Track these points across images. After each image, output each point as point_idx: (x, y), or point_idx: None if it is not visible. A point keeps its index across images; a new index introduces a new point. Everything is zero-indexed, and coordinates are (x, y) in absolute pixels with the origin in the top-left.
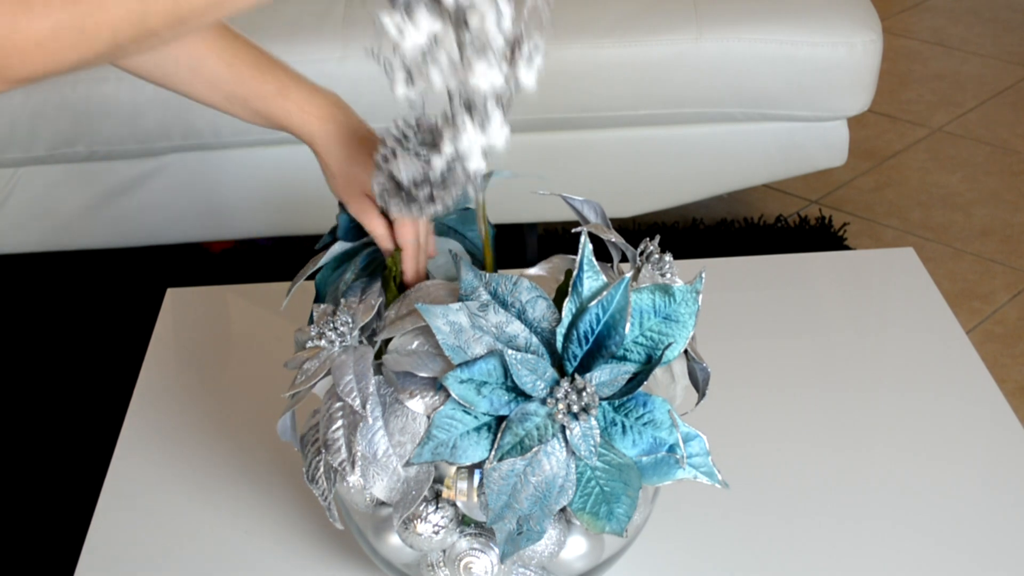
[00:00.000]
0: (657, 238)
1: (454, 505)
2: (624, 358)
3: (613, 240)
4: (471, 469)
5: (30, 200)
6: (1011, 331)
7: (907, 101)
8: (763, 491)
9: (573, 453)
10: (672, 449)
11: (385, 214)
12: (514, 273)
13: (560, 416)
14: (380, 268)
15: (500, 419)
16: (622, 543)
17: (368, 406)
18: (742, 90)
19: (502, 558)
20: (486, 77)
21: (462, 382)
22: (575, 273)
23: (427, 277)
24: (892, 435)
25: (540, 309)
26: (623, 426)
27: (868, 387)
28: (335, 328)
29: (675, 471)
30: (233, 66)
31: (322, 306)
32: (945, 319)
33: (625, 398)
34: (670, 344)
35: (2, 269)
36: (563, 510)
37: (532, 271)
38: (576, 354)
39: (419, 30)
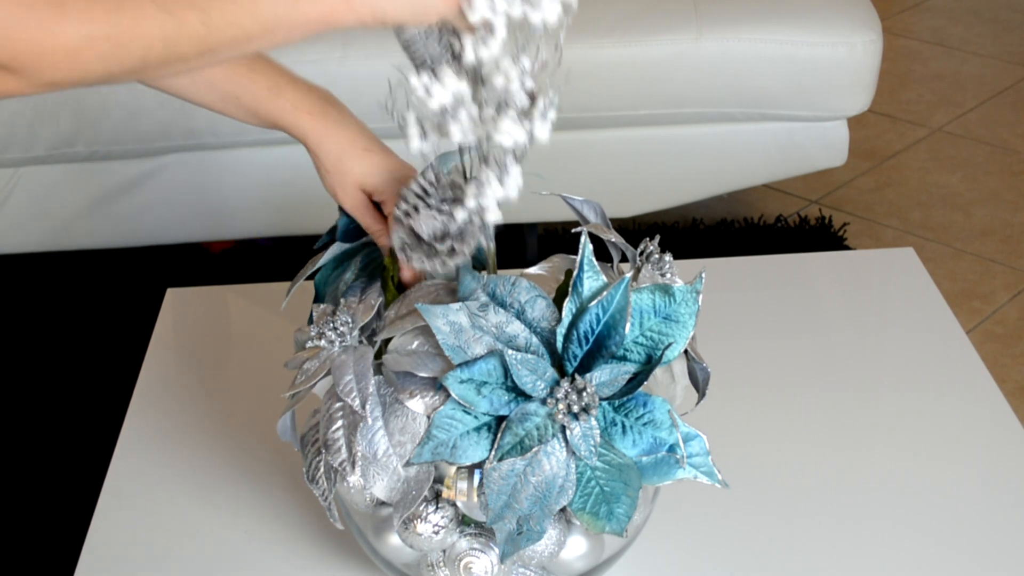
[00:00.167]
0: (657, 238)
1: (454, 505)
2: (624, 358)
3: (613, 240)
4: (471, 469)
5: (30, 200)
6: (1011, 331)
7: (907, 101)
8: (763, 491)
9: (573, 453)
10: (672, 449)
11: (380, 210)
12: (514, 273)
13: (560, 416)
14: (379, 268)
15: (500, 419)
16: (622, 543)
17: (368, 406)
18: (742, 90)
19: (502, 558)
20: (511, 135)
21: (462, 382)
22: (575, 273)
23: (425, 277)
24: (892, 435)
25: (539, 308)
26: (623, 426)
27: (868, 387)
28: (335, 328)
29: (675, 471)
30: (226, 65)
31: (322, 306)
32: (945, 319)
33: (625, 398)
34: (670, 344)
35: (2, 269)
36: (563, 510)
37: (532, 271)
38: (576, 354)
39: (446, 90)
